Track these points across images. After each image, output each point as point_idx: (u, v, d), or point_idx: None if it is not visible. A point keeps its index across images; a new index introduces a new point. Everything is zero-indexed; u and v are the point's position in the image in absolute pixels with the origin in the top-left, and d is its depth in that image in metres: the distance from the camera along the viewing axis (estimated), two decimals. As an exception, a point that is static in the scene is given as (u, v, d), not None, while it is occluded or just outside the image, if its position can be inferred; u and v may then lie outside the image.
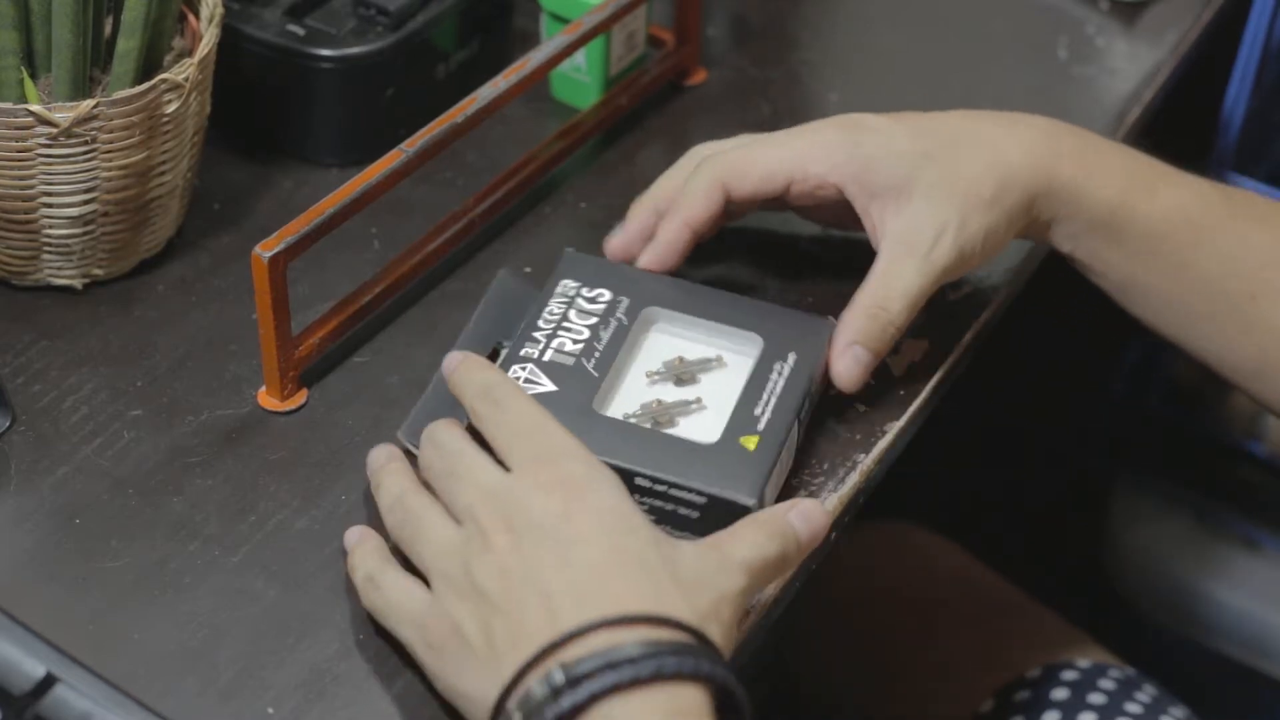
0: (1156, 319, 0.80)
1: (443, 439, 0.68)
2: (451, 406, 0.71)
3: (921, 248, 0.74)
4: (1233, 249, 0.78)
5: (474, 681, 0.62)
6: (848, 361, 0.74)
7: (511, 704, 0.59)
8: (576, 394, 0.72)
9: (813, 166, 0.75)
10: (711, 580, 0.63)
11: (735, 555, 0.65)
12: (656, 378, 0.75)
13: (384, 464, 0.70)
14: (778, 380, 0.74)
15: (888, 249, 0.75)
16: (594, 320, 0.76)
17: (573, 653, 0.59)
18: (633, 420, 0.73)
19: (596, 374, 0.73)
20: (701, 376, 0.75)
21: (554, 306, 0.76)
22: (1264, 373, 0.79)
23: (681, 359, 0.75)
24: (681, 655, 0.59)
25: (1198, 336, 0.80)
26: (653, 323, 0.77)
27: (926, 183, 0.74)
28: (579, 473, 0.64)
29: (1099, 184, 0.77)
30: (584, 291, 0.77)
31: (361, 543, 0.69)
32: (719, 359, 0.76)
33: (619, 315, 0.76)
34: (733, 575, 0.64)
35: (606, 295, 0.77)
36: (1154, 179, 0.78)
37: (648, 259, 0.78)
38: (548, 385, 0.73)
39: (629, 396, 0.74)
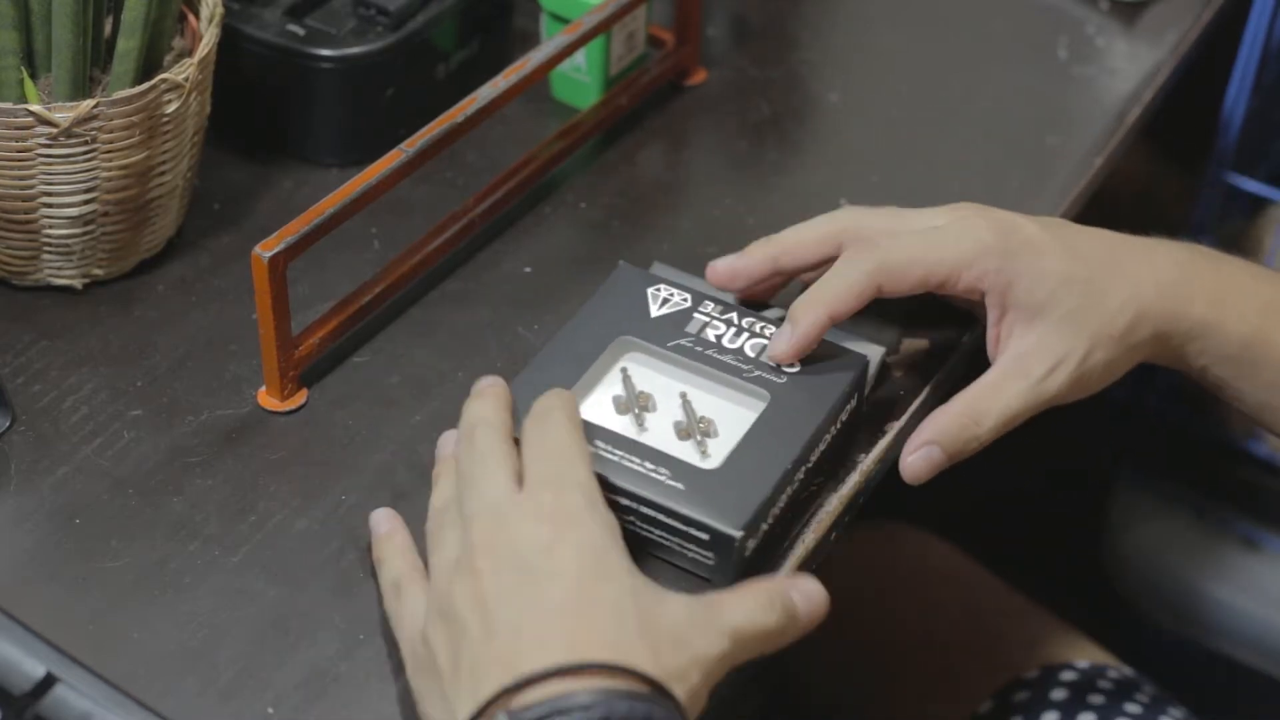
0: None
1: (479, 440, 0.67)
2: (562, 367, 0.73)
3: (1036, 373, 0.73)
4: None
5: (437, 710, 0.62)
6: (919, 458, 0.73)
7: None
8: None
9: (967, 273, 0.73)
10: (688, 639, 0.61)
11: (726, 618, 0.63)
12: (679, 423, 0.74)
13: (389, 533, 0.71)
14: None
15: (1004, 363, 0.74)
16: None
17: (525, 699, 0.59)
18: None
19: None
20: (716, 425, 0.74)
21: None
22: None
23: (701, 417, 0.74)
24: (634, 702, 0.58)
25: None
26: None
27: (1064, 309, 0.73)
28: (576, 505, 0.64)
29: (1233, 320, 0.76)
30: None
31: (390, 537, 0.69)
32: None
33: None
34: (715, 638, 0.62)
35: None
36: None
37: (785, 347, 0.73)
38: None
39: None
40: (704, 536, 0.68)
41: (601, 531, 0.63)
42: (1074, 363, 0.73)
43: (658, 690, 0.59)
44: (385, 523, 0.70)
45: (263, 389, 0.78)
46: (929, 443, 0.73)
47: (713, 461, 0.71)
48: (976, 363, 0.82)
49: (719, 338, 0.75)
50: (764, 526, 0.70)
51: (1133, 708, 0.97)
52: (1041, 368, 0.73)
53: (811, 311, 0.72)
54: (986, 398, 0.73)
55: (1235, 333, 0.76)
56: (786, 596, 0.65)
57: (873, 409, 0.78)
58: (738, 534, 0.68)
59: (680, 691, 0.60)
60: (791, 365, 0.74)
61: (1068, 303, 0.73)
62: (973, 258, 0.73)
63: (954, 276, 0.73)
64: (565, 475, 0.65)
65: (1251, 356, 0.76)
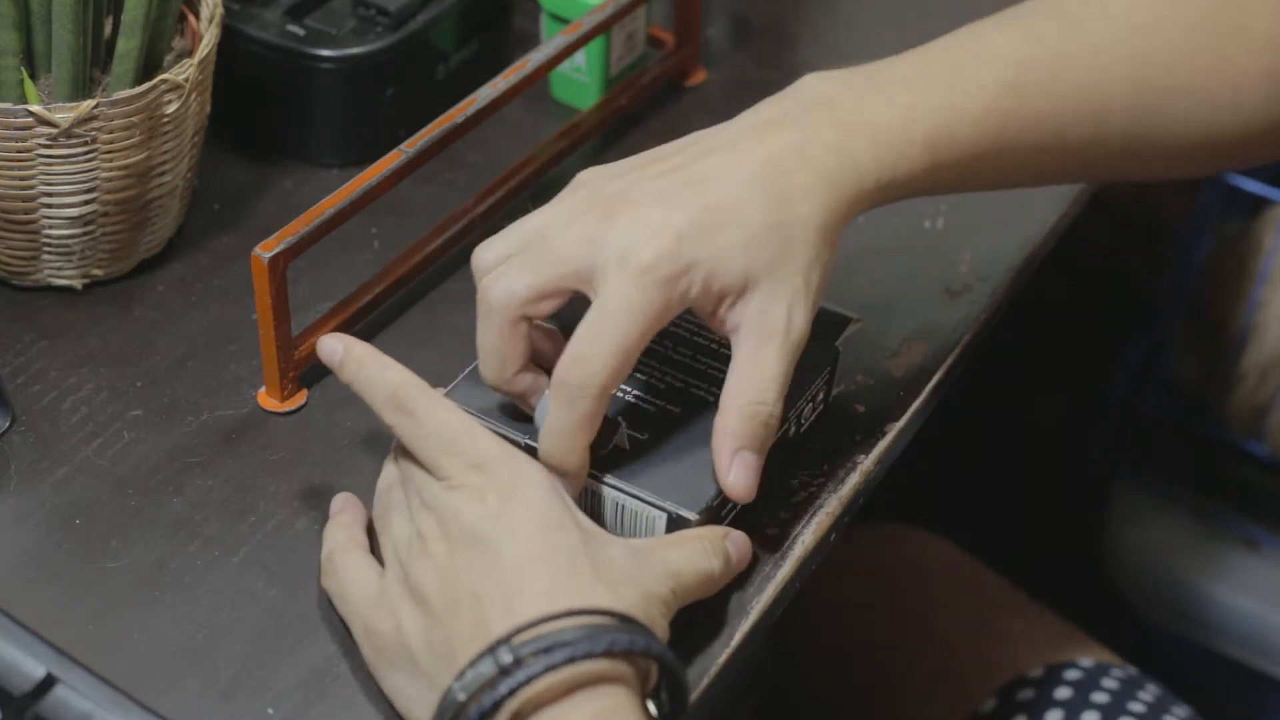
0: (1021, 185, 0.77)
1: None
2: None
3: (779, 326, 0.68)
4: (1048, 115, 0.73)
5: (413, 687, 0.64)
6: (738, 469, 0.68)
7: (445, 717, 0.61)
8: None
9: (669, 314, 0.66)
10: (638, 578, 0.64)
11: (668, 561, 0.66)
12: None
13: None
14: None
15: (745, 336, 0.68)
16: None
17: (517, 640, 0.61)
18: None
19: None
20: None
21: None
22: (1153, 173, 0.78)
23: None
24: (617, 634, 0.60)
25: (1070, 178, 0.80)
26: None
27: (762, 264, 0.68)
28: (508, 475, 0.65)
29: (904, 169, 0.71)
30: None
31: (336, 516, 0.71)
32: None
33: None
34: (661, 578, 0.65)
35: None
36: (948, 123, 0.71)
37: (574, 490, 0.68)
38: None
39: None
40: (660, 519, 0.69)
41: (539, 489, 0.64)
42: (802, 297, 0.68)
43: (630, 624, 0.61)
44: (338, 503, 0.72)
45: (263, 389, 0.78)
46: (735, 450, 0.68)
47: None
48: (977, 362, 0.82)
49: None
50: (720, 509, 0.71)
51: (1137, 706, 0.97)
52: (781, 320, 0.68)
53: (569, 456, 0.67)
54: (752, 376, 0.68)
55: (908, 177, 0.71)
56: (722, 544, 0.68)
57: (873, 409, 0.78)
58: (694, 517, 0.68)
59: (647, 625, 0.63)
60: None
61: (765, 255, 0.67)
62: (666, 299, 0.66)
63: (662, 321, 0.67)
64: (477, 457, 0.65)
65: (933, 181, 0.72)
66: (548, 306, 0.67)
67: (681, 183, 0.68)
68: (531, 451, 0.69)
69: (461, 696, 0.60)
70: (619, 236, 0.66)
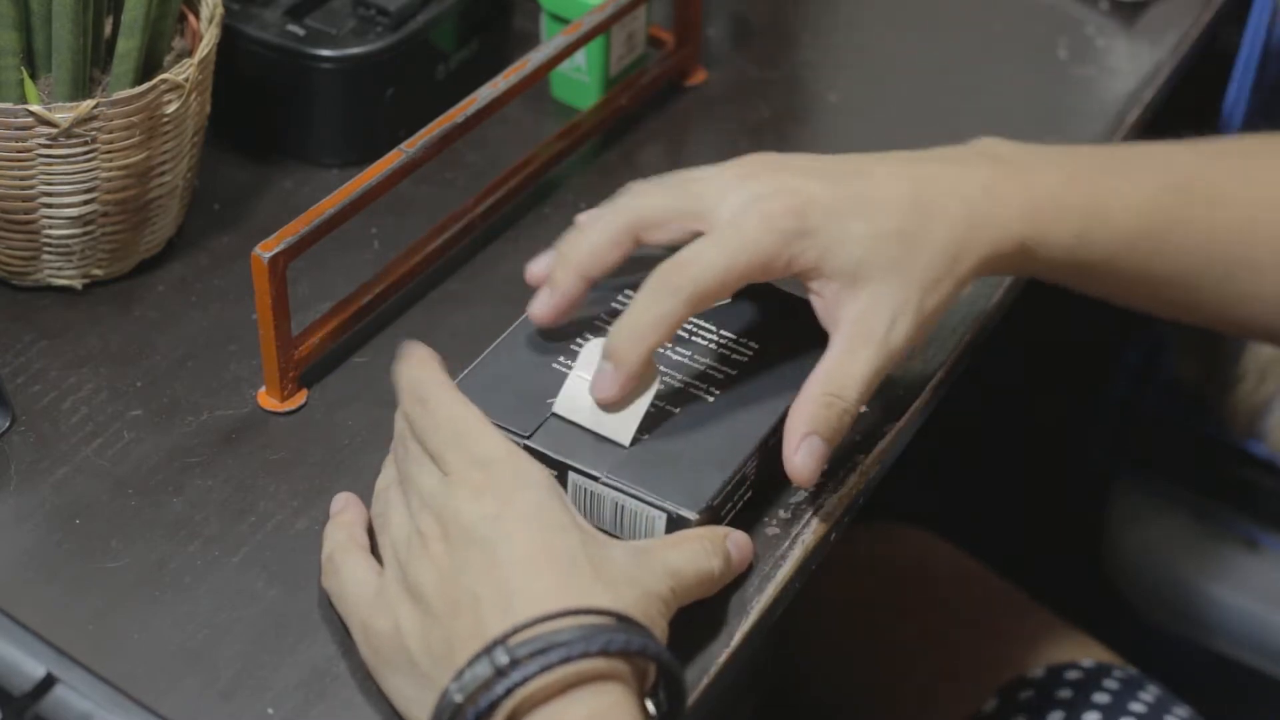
0: (1142, 309, 0.80)
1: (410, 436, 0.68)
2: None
3: (879, 332, 0.71)
4: (1198, 240, 0.77)
5: (412, 687, 0.64)
6: (805, 454, 0.70)
7: (442, 718, 0.61)
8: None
9: (775, 264, 0.70)
10: (637, 578, 0.64)
11: (668, 561, 0.66)
12: None
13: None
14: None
15: (845, 331, 0.71)
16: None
17: (516, 639, 0.61)
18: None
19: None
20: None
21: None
22: (1255, 332, 0.80)
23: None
24: (614, 634, 0.60)
25: (1187, 318, 0.81)
26: None
27: (883, 263, 0.71)
28: (509, 475, 0.65)
29: (1052, 232, 0.74)
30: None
31: (338, 514, 0.71)
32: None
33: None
34: (661, 577, 0.65)
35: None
36: (1106, 201, 0.76)
37: (611, 389, 0.71)
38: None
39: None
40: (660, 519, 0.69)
41: (539, 490, 0.64)
42: (911, 311, 0.71)
43: (628, 623, 0.61)
44: (338, 503, 0.72)
45: (263, 389, 0.78)
46: (807, 434, 0.70)
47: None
48: (977, 362, 0.82)
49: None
50: (722, 508, 0.70)
51: (1138, 706, 0.97)
52: (882, 326, 0.71)
53: (633, 347, 0.70)
54: (841, 370, 0.70)
55: (1059, 245, 0.74)
56: (723, 544, 0.68)
57: (873, 409, 0.78)
58: (693, 517, 0.68)
59: (645, 624, 0.63)
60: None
61: (885, 256, 0.71)
62: (777, 249, 0.70)
63: (765, 272, 0.71)
64: (481, 453, 0.65)
65: (1077, 260, 0.75)
66: (660, 235, 0.71)
67: (833, 170, 0.73)
68: (530, 452, 0.69)
69: (458, 698, 0.60)
70: (757, 187, 0.71)
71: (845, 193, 0.71)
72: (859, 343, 0.71)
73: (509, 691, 0.59)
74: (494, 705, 0.60)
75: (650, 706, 0.63)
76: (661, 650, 0.62)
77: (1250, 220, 0.78)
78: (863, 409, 0.78)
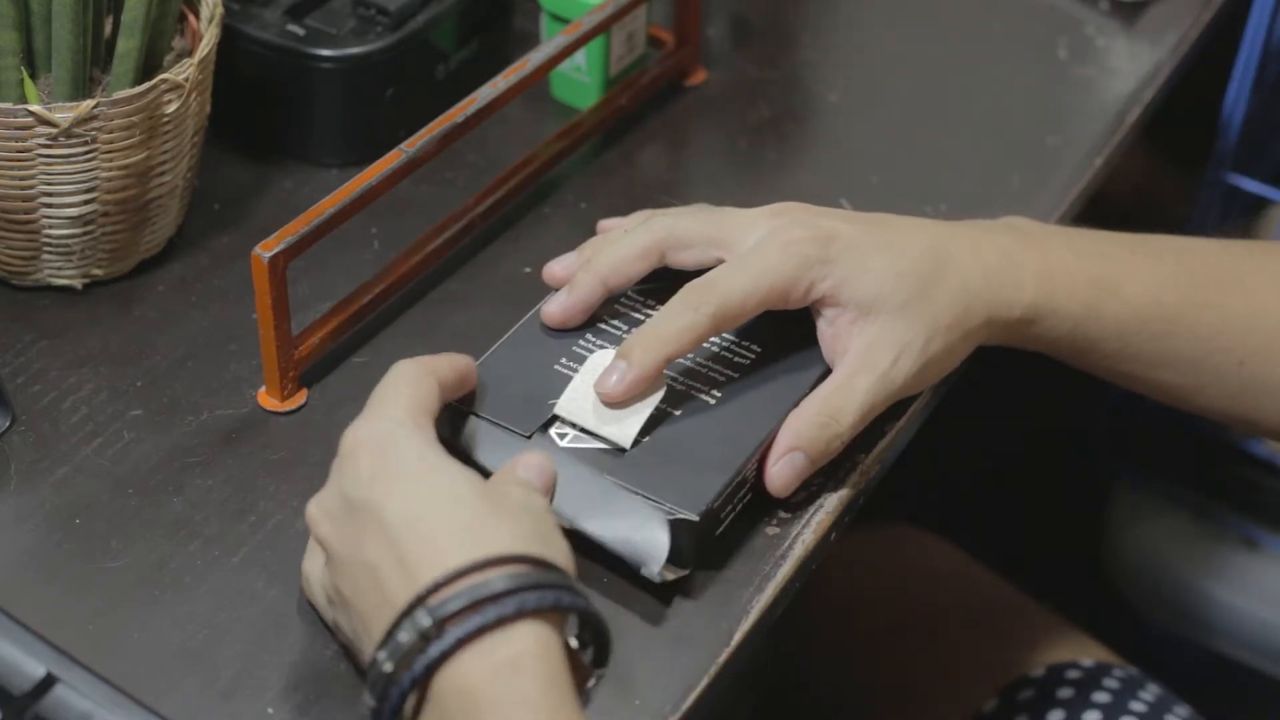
0: (1147, 392, 0.81)
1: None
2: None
3: (883, 365, 0.73)
4: (1209, 326, 0.78)
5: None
6: (784, 466, 0.72)
7: (377, 690, 0.61)
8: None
9: (795, 290, 0.73)
10: (525, 504, 0.63)
11: (521, 478, 0.66)
12: None
13: None
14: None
15: (850, 359, 0.74)
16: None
17: (440, 595, 0.60)
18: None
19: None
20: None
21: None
22: (1260, 426, 0.81)
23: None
24: (543, 590, 0.60)
25: (1189, 404, 0.82)
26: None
27: (897, 302, 0.73)
28: (377, 437, 0.64)
29: (1064, 300, 0.77)
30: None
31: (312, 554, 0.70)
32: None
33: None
34: (533, 495, 0.65)
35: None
36: (1119, 276, 0.77)
37: (617, 388, 0.72)
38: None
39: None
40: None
41: (406, 435, 0.64)
42: (916, 351, 0.74)
43: (544, 567, 0.61)
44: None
45: (263, 389, 0.78)
46: (791, 449, 0.72)
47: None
48: (977, 362, 0.82)
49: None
50: (723, 511, 0.71)
51: (1138, 706, 0.97)
52: (887, 359, 0.73)
53: (650, 353, 0.71)
54: (840, 395, 0.73)
55: (1067, 313, 0.77)
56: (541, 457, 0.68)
57: (873, 409, 0.78)
58: (694, 517, 0.68)
59: (549, 553, 0.62)
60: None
61: (900, 296, 0.74)
62: (798, 273, 0.73)
63: (785, 296, 0.73)
64: (358, 426, 0.65)
65: (1084, 331, 0.77)
66: (685, 256, 0.75)
67: (859, 217, 0.76)
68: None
69: (388, 667, 0.60)
70: (782, 221, 0.74)
71: (868, 232, 0.74)
72: (862, 372, 0.73)
73: (444, 655, 0.59)
74: (430, 668, 0.59)
75: (573, 642, 0.63)
76: (575, 599, 0.61)
77: (1265, 308, 0.79)
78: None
